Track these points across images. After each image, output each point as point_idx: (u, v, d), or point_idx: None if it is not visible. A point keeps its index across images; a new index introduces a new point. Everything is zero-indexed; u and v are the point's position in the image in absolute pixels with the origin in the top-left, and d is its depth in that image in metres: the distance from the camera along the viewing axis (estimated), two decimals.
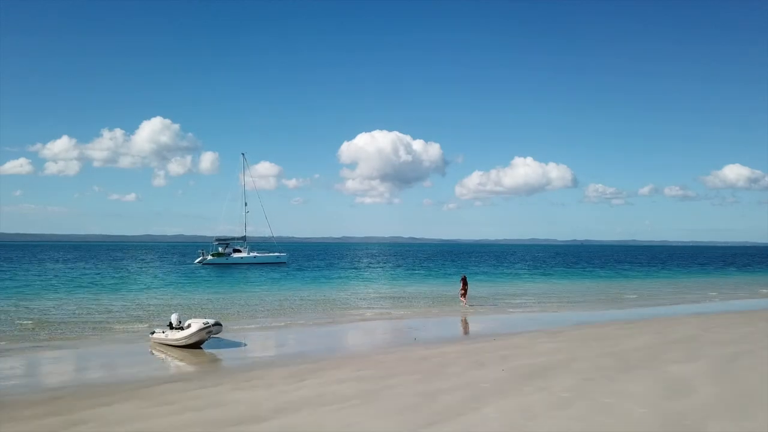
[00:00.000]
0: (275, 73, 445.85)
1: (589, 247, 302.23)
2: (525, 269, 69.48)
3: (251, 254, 73.84)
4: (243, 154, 76.48)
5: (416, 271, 62.84)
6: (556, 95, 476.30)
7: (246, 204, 74.71)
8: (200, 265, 70.78)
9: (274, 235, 78.73)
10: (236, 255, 72.72)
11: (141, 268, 65.77)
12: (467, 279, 30.21)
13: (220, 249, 72.73)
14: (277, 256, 75.25)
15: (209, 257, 71.33)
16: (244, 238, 74.42)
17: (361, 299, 32.71)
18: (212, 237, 75.11)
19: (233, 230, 75.16)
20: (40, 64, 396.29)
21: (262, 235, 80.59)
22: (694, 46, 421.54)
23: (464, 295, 29.33)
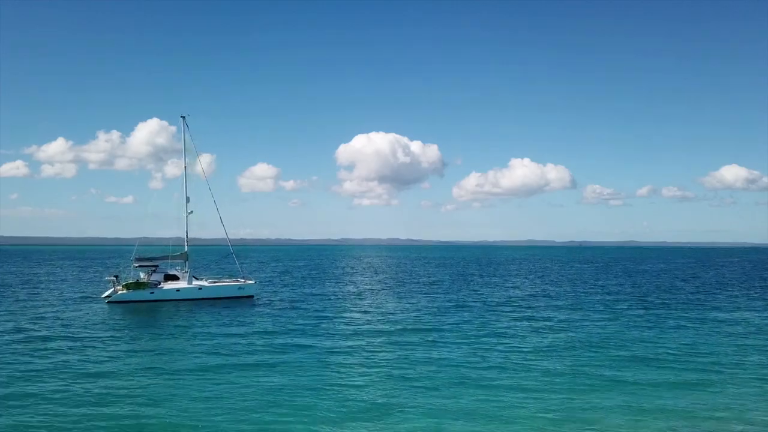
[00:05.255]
0: (273, 75, 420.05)
1: (589, 249, 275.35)
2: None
3: (195, 284, 44.13)
4: (183, 117, 46.21)
5: (478, 331, 32.17)
6: (554, 96, 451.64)
7: (188, 200, 44.89)
8: (106, 303, 41.27)
9: (249, 238, 48.97)
10: (169, 286, 42.96)
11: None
12: None
13: (141, 275, 43.01)
14: (240, 287, 45.65)
15: (120, 290, 41.64)
16: (184, 258, 44.58)
17: None
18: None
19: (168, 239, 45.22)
20: (35, 65, 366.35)
21: (212, 237, 52.03)
22: (692, 48, 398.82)
23: None
